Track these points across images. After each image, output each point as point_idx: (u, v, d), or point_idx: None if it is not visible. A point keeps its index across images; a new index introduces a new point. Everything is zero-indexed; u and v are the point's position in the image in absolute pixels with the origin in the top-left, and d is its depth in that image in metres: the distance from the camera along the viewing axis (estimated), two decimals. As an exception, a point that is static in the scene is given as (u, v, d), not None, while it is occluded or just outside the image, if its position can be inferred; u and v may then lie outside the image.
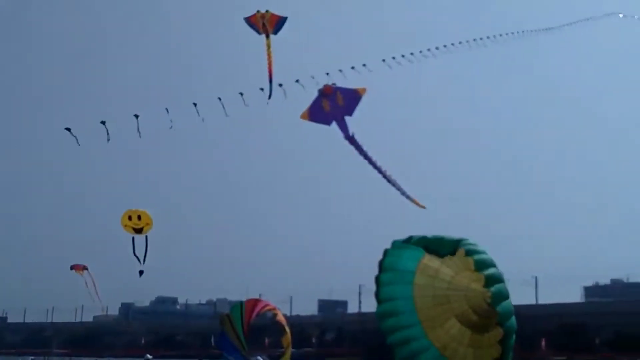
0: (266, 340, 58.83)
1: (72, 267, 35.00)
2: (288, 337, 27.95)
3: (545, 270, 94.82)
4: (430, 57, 27.15)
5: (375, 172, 22.43)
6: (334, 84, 23.03)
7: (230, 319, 28.01)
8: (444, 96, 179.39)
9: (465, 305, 15.62)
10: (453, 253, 16.47)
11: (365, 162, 22.46)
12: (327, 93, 22.95)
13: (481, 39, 31.27)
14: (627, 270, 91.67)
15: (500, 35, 33.25)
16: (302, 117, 23.23)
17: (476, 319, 15.89)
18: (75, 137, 17.75)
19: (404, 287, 16.24)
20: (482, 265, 15.99)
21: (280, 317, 28.65)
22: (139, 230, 22.95)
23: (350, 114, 22.37)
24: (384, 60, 25.92)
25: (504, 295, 15.96)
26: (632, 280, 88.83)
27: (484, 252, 16.57)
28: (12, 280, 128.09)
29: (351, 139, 22.03)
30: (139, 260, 22.81)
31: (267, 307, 28.39)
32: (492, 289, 15.68)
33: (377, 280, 16.58)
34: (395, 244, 17.55)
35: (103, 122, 18.16)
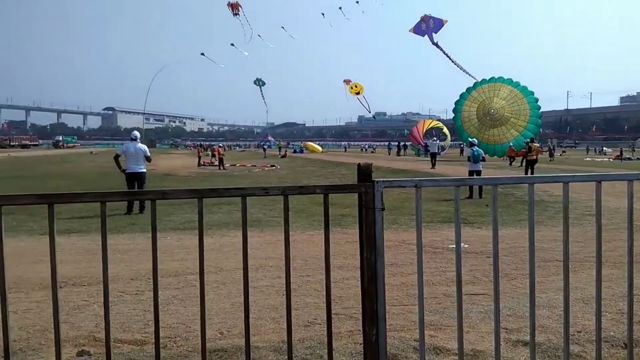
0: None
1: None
2: (446, 130, 50.83)
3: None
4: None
5: (446, 59, 37.60)
6: (430, 14, 34.51)
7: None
8: None
9: (487, 119, 31.69)
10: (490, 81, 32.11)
11: (441, 53, 36.94)
12: (425, 19, 35.01)
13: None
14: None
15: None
16: (410, 31, 35.59)
17: (490, 122, 31.32)
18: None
19: (458, 119, 33.92)
20: (510, 82, 32.38)
21: (440, 125, 54.87)
22: (357, 93, 51.06)
23: (436, 32, 35.50)
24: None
25: (528, 94, 31.33)
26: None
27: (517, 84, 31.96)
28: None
29: (436, 44, 36.51)
30: (366, 107, 50.44)
31: (431, 124, 53.64)
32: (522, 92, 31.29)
33: (454, 118, 34.44)
34: (458, 98, 33.48)
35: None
